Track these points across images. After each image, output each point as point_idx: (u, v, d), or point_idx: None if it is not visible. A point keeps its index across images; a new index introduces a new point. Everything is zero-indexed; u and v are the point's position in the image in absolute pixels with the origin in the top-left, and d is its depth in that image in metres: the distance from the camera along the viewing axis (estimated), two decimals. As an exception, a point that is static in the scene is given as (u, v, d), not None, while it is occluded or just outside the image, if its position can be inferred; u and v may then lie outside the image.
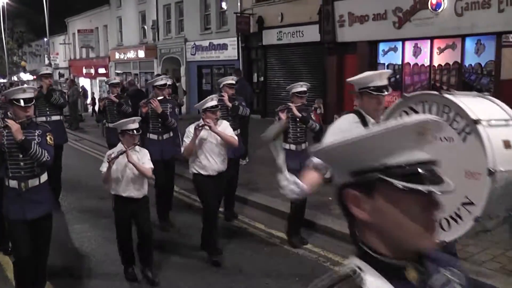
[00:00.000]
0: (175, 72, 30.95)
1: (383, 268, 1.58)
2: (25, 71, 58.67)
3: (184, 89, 27.19)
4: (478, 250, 7.07)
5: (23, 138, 5.61)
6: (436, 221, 1.64)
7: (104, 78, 41.60)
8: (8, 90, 6.17)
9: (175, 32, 31.81)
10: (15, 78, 58.11)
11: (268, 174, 10.16)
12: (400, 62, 18.09)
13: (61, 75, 46.30)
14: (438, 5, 15.79)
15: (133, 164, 6.58)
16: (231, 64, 26.35)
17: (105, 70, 41.36)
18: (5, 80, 55.01)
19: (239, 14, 24.69)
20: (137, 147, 6.81)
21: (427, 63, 17.15)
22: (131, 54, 36.93)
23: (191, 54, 29.99)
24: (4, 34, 51.37)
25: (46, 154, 5.78)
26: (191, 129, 7.41)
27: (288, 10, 22.28)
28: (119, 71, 39.12)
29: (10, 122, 5.65)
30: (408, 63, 17.79)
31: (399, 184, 1.52)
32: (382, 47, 18.72)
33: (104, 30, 42.10)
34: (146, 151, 7.01)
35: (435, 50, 16.86)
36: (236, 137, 7.75)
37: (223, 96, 9.53)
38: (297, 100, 8.43)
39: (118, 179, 6.67)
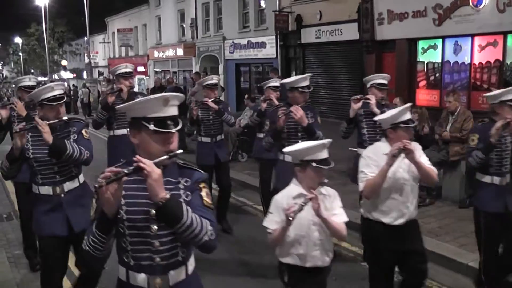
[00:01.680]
0: (213, 70, 31.11)
1: None
2: (65, 69, 59.69)
3: (222, 86, 27.29)
4: None
5: (167, 196, 2.91)
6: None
7: (143, 77, 42.14)
8: (141, 100, 3.08)
9: (214, 30, 31.99)
10: (55, 76, 59.13)
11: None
12: (439, 60, 17.89)
13: (100, 74, 47.01)
14: (479, 1, 15.58)
15: (323, 219, 4.29)
16: (269, 62, 26.42)
17: (144, 68, 41.77)
18: (46, 78, 56.01)
19: (277, 12, 24.72)
20: (323, 188, 4.45)
21: (467, 61, 16.91)
22: (169, 52, 37.23)
23: (230, 52, 30.14)
24: (46, 33, 52.28)
25: (208, 227, 3.08)
26: (370, 154, 5.10)
27: (327, 8, 22.23)
28: (157, 69, 39.52)
29: (144, 162, 2.90)
30: (448, 61, 17.58)
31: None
32: (421, 44, 18.54)
33: (143, 29, 42.55)
34: (336, 193, 4.57)
35: (476, 48, 16.62)
36: (435, 169, 5.13)
37: (369, 100, 7.37)
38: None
39: (296, 241, 4.37)
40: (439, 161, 10.10)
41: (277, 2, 25.09)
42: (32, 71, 66.35)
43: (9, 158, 5.08)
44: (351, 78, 21.80)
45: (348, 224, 4.34)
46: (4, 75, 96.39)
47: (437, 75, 18.00)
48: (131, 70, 8.79)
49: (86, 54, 45.93)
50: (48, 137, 5.01)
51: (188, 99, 19.77)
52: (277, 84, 9.12)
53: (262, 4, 27.50)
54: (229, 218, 9.45)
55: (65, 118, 5.35)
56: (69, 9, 55.38)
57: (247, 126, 13.59)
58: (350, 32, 20.76)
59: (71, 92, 37.95)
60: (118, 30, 44.40)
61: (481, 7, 15.62)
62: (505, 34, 15.56)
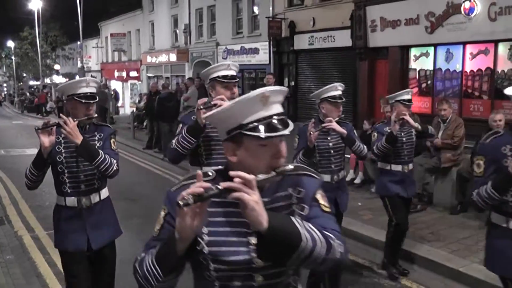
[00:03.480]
0: (206, 76, 31.12)
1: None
2: (58, 73, 59.57)
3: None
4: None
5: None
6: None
7: (136, 82, 42.16)
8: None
9: (207, 36, 32.04)
10: (47, 80, 59.05)
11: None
12: (431, 68, 17.96)
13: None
14: (471, 9, 15.66)
15: None
16: (262, 68, 26.50)
17: (137, 73, 41.79)
18: (38, 83, 56.01)
19: (271, 19, 24.77)
20: None
21: (459, 68, 16.99)
22: (162, 58, 37.27)
23: (223, 58, 30.12)
24: (39, 37, 52.25)
25: None
26: None
27: (320, 15, 22.31)
28: (150, 75, 39.53)
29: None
30: (440, 69, 17.64)
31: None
32: (413, 52, 18.62)
33: (136, 34, 42.57)
34: None
35: (467, 56, 16.71)
36: None
37: None
38: None
39: None
40: (430, 168, 10.21)
41: (271, 8, 25.15)
42: (25, 75, 66.29)
43: (164, 267, 2.32)
44: (344, 85, 21.79)
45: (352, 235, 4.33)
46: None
47: (429, 82, 18.06)
48: (234, 73, 5.24)
49: (79, 59, 45.89)
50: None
51: (182, 105, 19.85)
52: (410, 96, 7.04)
53: (256, 10, 27.57)
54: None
55: None
56: (62, 13, 55.34)
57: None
58: (343, 39, 20.82)
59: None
60: (111, 34, 44.35)
61: (473, 15, 15.69)
62: (496, 42, 15.64)
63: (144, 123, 24.07)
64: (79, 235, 4.80)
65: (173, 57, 35.26)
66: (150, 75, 39.55)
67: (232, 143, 2.35)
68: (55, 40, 58.62)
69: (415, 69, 18.55)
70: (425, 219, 9.43)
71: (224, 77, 5.04)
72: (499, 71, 15.76)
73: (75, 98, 4.74)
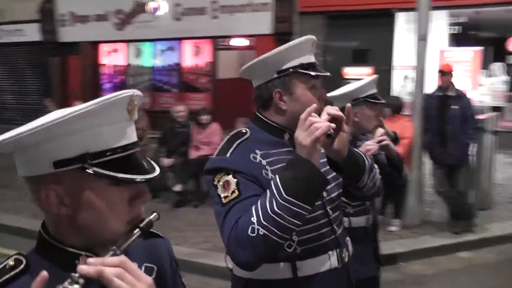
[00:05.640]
0: None
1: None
2: None
3: None
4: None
5: None
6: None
7: None
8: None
9: None
10: None
11: None
12: (123, 63, 18.33)
13: None
14: (156, 9, 16.42)
15: None
16: None
17: None
18: None
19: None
20: None
21: (149, 63, 17.78)
22: None
23: None
24: None
25: None
26: None
27: (7, 7, 21.17)
28: None
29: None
30: (131, 64, 18.14)
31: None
32: (105, 48, 18.78)
33: None
34: None
35: (157, 52, 17.50)
36: None
37: None
38: None
39: None
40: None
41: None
42: None
43: None
44: (38, 81, 21.12)
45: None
46: None
47: (122, 77, 18.39)
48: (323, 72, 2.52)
49: None
50: None
51: None
52: (376, 89, 3.96)
53: None
54: None
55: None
56: None
57: None
58: (33, 33, 19.98)
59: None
60: None
61: (158, 14, 16.38)
62: (182, 39, 16.71)
63: None
64: None
65: None
66: None
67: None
68: None
69: (107, 65, 18.75)
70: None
71: (310, 67, 2.46)
72: (186, 66, 16.78)
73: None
